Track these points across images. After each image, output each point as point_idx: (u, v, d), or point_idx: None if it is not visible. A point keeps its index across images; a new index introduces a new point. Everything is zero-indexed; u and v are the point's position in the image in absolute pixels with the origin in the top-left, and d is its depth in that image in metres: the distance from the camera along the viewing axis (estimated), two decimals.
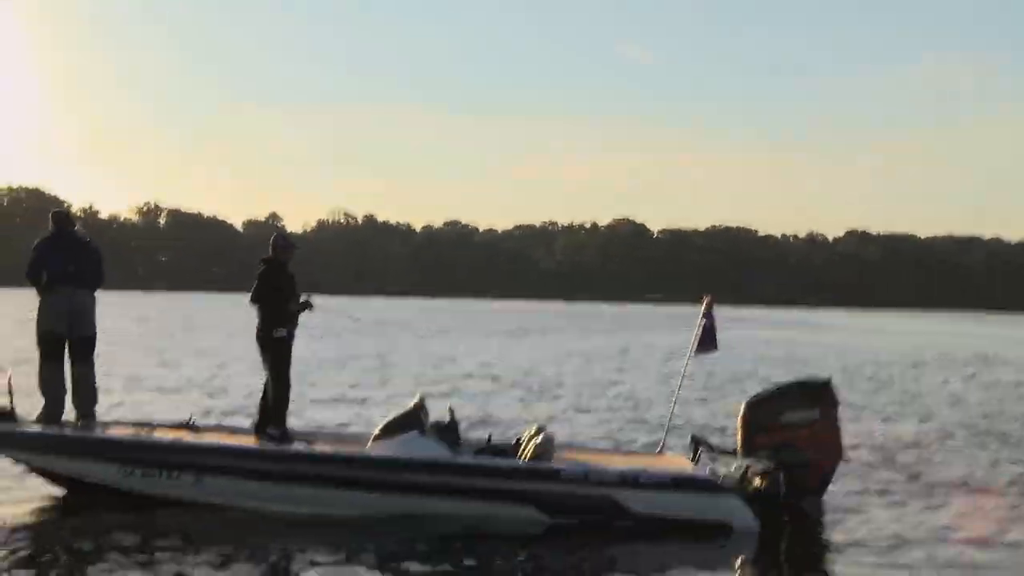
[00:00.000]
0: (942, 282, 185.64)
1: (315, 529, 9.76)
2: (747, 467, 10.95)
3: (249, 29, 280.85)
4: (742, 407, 11.06)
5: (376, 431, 10.59)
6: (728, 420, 17.24)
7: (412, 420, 10.44)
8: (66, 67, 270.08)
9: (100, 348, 11.42)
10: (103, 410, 12.20)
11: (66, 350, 11.05)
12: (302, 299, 11.34)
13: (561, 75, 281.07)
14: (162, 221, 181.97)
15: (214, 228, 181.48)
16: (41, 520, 9.98)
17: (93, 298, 11.24)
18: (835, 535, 10.17)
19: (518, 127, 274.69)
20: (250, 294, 11.25)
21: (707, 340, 11.71)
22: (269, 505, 10.12)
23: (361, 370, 27.29)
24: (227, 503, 10.15)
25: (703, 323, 11.70)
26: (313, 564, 8.70)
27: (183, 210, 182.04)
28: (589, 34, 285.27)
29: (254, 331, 11.28)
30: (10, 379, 10.71)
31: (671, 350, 41.69)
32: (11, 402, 10.64)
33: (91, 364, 11.24)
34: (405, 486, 10.11)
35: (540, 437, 10.64)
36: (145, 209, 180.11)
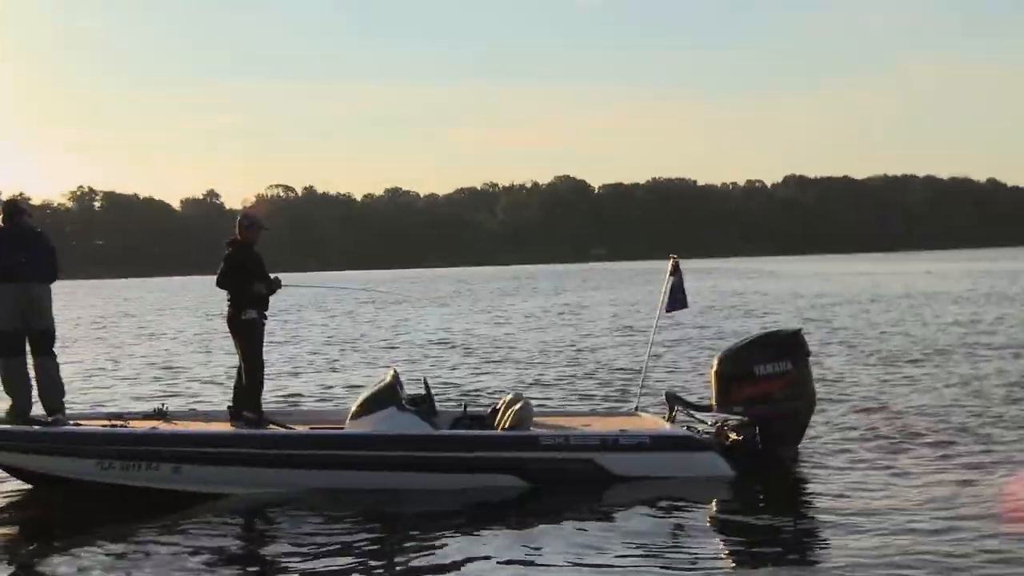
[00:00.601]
0: (880, 223, 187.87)
1: (300, 510, 9.69)
2: (723, 421, 11.13)
3: (175, 5, 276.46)
4: (714, 362, 11.13)
5: (353, 408, 10.54)
6: (696, 375, 17.50)
7: (389, 395, 10.39)
8: None
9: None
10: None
11: (26, 345, 10.86)
12: (271, 278, 11.21)
13: (490, 34, 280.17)
14: (97, 205, 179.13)
15: (151, 209, 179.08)
16: (17, 517, 9.87)
17: (48, 290, 11.00)
18: (812, 483, 10.28)
19: (452, 89, 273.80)
20: (216, 277, 11.10)
21: (677, 298, 11.76)
22: (251, 489, 10.06)
23: (323, 345, 27.22)
24: (208, 490, 10.06)
25: (671, 281, 11.74)
26: (300, 544, 8.67)
27: (118, 192, 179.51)
28: None
29: (225, 314, 11.16)
30: None
31: (625, 306, 42.02)
32: None
33: (53, 357, 11.05)
34: (386, 462, 10.09)
35: (518, 405, 10.66)
36: (79, 193, 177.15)
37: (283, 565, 8.26)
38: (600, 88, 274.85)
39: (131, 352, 27.15)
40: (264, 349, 11.16)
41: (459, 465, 10.14)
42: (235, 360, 11.29)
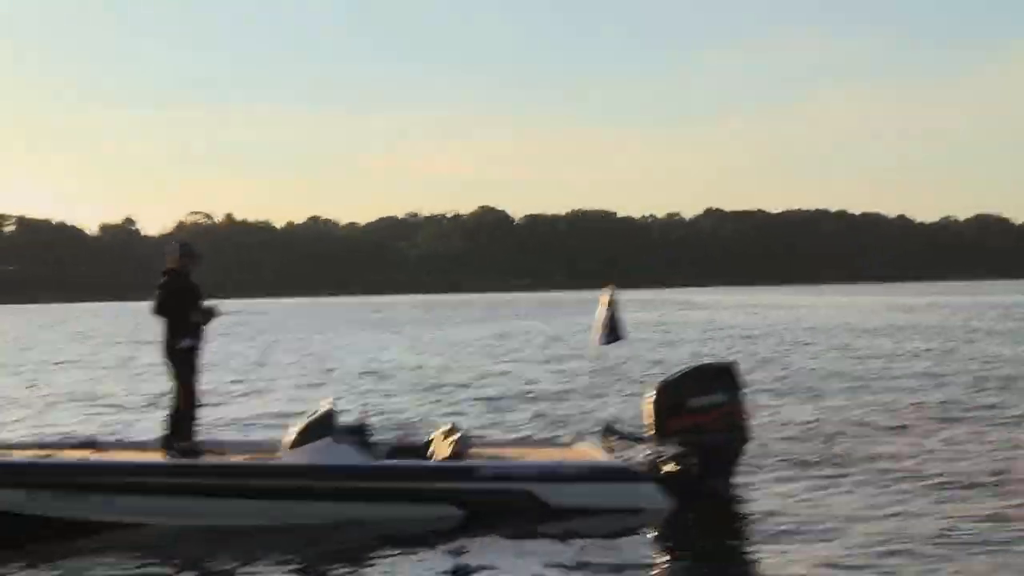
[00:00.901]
0: (792, 256, 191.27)
1: (234, 542, 9.56)
2: (658, 452, 11.18)
3: (92, 28, 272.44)
4: (650, 393, 11.19)
5: (289, 438, 10.42)
6: (628, 405, 17.59)
7: (324, 426, 10.31)
8: None
9: None
10: None
11: None
12: (207, 307, 11.06)
13: (411, 56, 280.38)
14: (7, 229, 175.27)
15: (65, 234, 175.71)
16: None
17: None
18: (747, 513, 10.40)
19: (370, 119, 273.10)
20: (153, 305, 10.92)
21: (612, 330, 11.84)
22: (184, 520, 9.90)
23: (248, 373, 26.85)
24: (140, 520, 9.88)
25: (609, 313, 11.82)
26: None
27: (28, 216, 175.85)
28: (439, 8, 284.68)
29: (161, 342, 10.98)
30: None
31: (551, 336, 42.15)
32: None
33: None
34: (323, 493, 10.00)
35: (456, 435, 10.64)
36: None
37: None
38: (518, 119, 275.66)
39: (47, 380, 26.52)
40: (198, 378, 10.98)
41: (396, 495, 10.09)
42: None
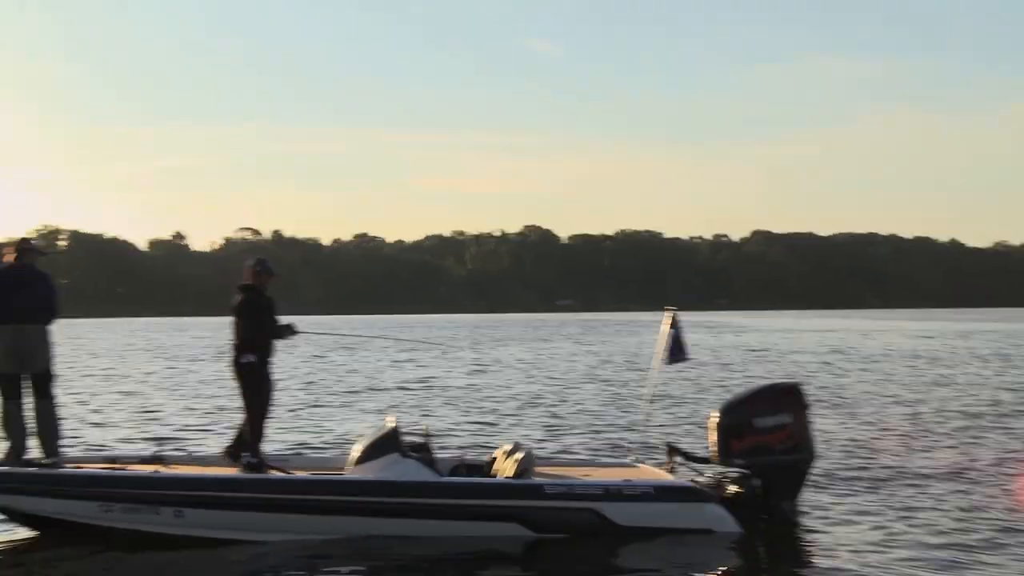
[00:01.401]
0: (842, 279, 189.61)
1: (301, 556, 9.62)
2: (723, 473, 11.14)
3: (147, 46, 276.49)
4: (715, 414, 11.14)
5: (355, 454, 10.48)
6: (688, 427, 17.62)
7: (390, 442, 10.35)
8: None
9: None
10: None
11: (21, 387, 10.77)
12: (285, 324, 11.17)
13: (464, 81, 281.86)
14: (62, 243, 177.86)
15: (117, 248, 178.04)
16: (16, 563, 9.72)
17: (46, 332, 10.90)
18: (813, 534, 10.33)
19: (421, 138, 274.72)
20: (232, 319, 11.04)
21: (677, 350, 11.80)
22: (253, 534, 9.95)
23: (314, 391, 26.90)
24: (210, 535, 9.95)
25: (672, 334, 11.79)
26: None
27: (82, 231, 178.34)
28: (497, 35, 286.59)
29: (231, 358, 11.09)
30: None
31: (607, 357, 42.09)
32: None
33: (50, 399, 10.94)
34: (389, 509, 10.00)
35: (520, 453, 10.63)
36: (44, 232, 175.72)
37: None
38: (566, 139, 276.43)
39: (98, 393, 26.79)
40: (269, 393, 11.05)
41: (462, 512, 10.07)
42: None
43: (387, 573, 9.20)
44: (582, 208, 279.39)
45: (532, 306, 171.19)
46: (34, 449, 10.73)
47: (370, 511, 10.00)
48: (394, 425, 10.56)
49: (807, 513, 11.02)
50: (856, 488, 12.36)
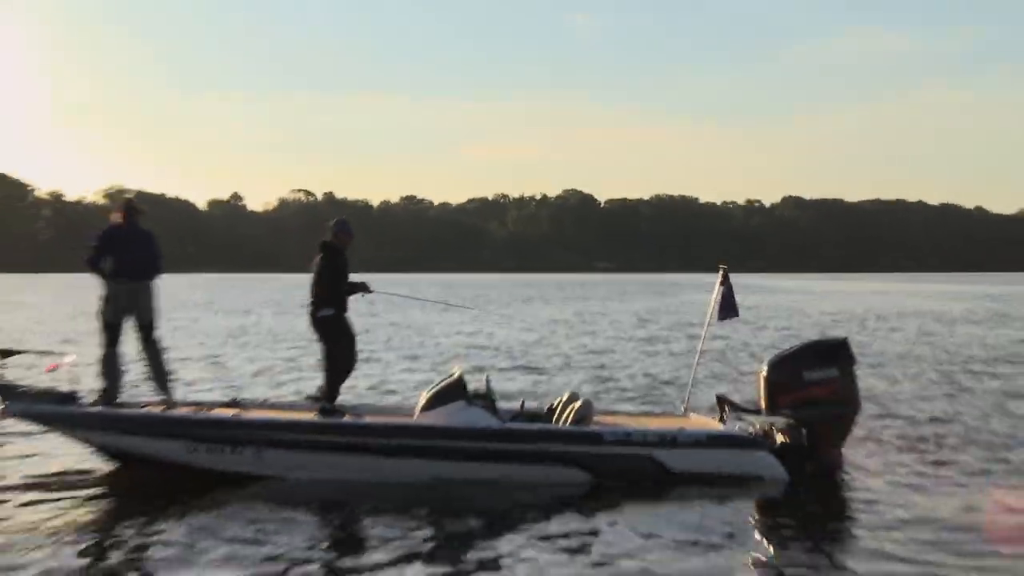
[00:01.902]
0: (871, 244, 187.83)
1: (370, 496, 9.72)
2: (771, 423, 11.16)
3: (209, 19, 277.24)
4: (764, 367, 11.13)
5: (422, 402, 10.59)
6: (731, 380, 17.64)
7: (457, 390, 10.46)
8: (33, 59, 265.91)
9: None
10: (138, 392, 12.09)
11: (122, 335, 11.06)
12: (359, 282, 11.30)
13: (508, 55, 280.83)
14: None
15: (179, 208, 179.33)
16: (108, 497, 9.94)
17: (152, 286, 11.17)
18: (856, 483, 10.33)
19: (467, 106, 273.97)
20: (312, 276, 11.19)
21: (727, 307, 11.78)
22: (327, 475, 10.11)
23: (376, 346, 27.11)
24: (287, 474, 10.14)
25: (721, 291, 11.78)
26: (370, 529, 8.72)
27: (147, 191, 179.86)
28: (537, 10, 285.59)
29: (309, 311, 11.25)
30: (73, 364, 10.63)
31: (648, 314, 42.06)
32: (75, 386, 10.59)
33: (156, 345, 11.23)
34: (456, 453, 10.13)
35: (579, 402, 10.70)
36: (111, 192, 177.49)
37: (355, 547, 8.25)
38: (606, 108, 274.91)
39: (178, 345, 27.13)
40: (347, 344, 11.17)
41: (524, 457, 10.18)
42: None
43: (453, 514, 9.24)
44: (619, 174, 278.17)
45: (571, 267, 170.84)
46: (126, 392, 10.98)
47: (438, 455, 10.13)
48: (460, 374, 10.66)
49: (850, 463, 11.03)
50: (898, 442, 12.33)
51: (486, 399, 10.76)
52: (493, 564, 7.74)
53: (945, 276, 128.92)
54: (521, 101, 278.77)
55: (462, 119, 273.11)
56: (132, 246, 10.98)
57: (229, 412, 10.79)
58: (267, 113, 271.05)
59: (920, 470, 10.89)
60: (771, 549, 8.34)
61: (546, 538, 8.36)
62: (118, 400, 10.95)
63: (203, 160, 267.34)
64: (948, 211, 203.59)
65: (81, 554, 7.89)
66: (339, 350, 11.09)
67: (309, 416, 10.70)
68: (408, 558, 7.85)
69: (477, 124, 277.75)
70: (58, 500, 9.49)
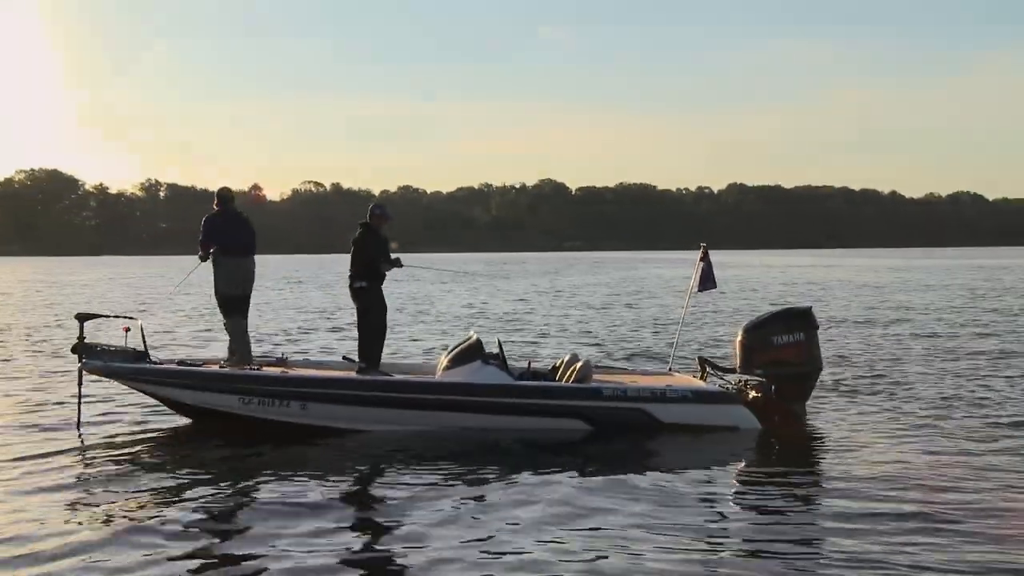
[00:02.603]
0: (802, 224, 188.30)
1: (401, 444, 9.64)
2: (745, 380, 11.14)
3: (236, 33, 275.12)
4: (740, 332, 11.09)
5: (444, 362, 10.50)
6: (698, 344, 17.64)
7: (475, 351, 10.37)
8: (74, 62, 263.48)
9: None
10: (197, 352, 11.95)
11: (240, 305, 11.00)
12: (394, 258, 11.19)
13: (492, 61, 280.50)
14: (162, 194, 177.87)
15: (206, 198, 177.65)
16: (171, 442, 9.85)
17: (254, 262, 11.12)
18: (818, 431, 10.34)
19: (456, 106, 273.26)
20: (352, 251, 11.11)
21: (707, 279, 11.73)
22: (363, 425, 10.05)
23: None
24: (330, 425, 10.06)
25: (701, 266, 11.70)
26: (402, 470, 8.66)
27: (179, 184, 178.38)
28: (515, 23, 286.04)
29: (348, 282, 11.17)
30: (142, 327, 10.51)
31: (612, 289, 42.03)
32: (145, 345, 10.46)
33: (246, 314, 11.14)
34: (475, 406, 10.07)
35: (580, 363, 10.63)
36: (147, 184, 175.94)
37: (390, 486, 8.20)
38: (576, 108, 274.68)
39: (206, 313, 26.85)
40: (380, 312, 11.07)
41: (535, 410, 10.12)
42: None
43: (472, 457, 9.17)
44: (588, 164, 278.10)
45: (545, 247, 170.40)
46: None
47: (459, 408, 10.07)
48: (477, 338, 10.58)
49: (814, 414, 11.03)
50: (853, 396, 12.33)
51: (498, 359, 10.68)
52: (504, 502, 7.62)
53: (869, 252, 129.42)
54: (506, 101, 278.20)
55: (453, 116, 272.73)
56: (230, 229, 10.87)
57: (276, 369, 10.71)
58: (281, 113, 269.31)
59: (872, 419, 10.92)
60: (746, 489, 8.31)
61: (548, 483, 8.21)
62: (251, 363, 10.85)
63: (226, 155, 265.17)
64: (868, 195, 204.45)
65: (148, 494, 7.81)
66: (372, 317, 10.98)
67: (349, 374, 10.61)
68: (430, 494, 7.80)
69: (463, 121, 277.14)
70: (132, 447, 9.46)
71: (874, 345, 17.83)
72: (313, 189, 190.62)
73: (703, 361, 11.41)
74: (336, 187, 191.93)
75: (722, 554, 6.36)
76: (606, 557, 6.25)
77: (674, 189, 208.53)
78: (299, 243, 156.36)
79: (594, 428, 10.08)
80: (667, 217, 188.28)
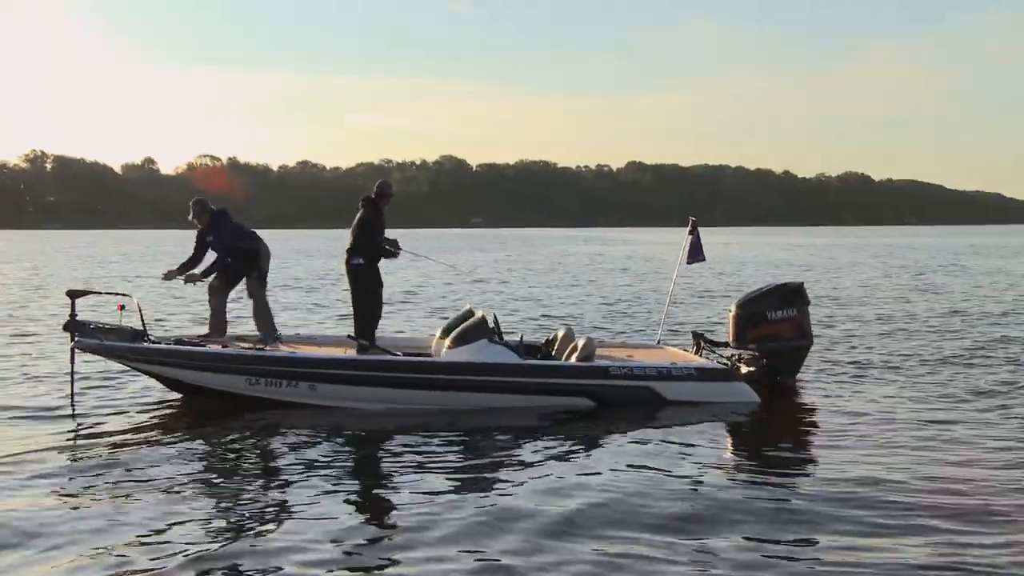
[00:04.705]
0: (698, 202, 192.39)
1: (409, 423, 9.40)
2: (738, 355, 11.26)
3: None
4: (733, 308, 11.20)
5: (444, 339, 10.24)
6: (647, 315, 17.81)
7: (481, 329, 10.17)
8: None
9: None
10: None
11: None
12: (392, 239, 10.91)
13: (399, 34, 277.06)
14: (48, 166, 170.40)
15: (95, 171, 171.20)
16: (174, 422, 9.41)
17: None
18: (809, 402, 10.49)
19: (357, 80, 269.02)
20: (352, 228, 10.80)
21: (695, 253, 11.78)
22: (372, 405, 9.79)
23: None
24: (338, 405, 9.78)
25: (690, 240, 11.75)
26: (409, 451, 8.43)
27: (67, 156, 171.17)
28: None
29: (345, 259, 10.82)
30: (139, 304, 10.01)
31: (545, 263, 42.08)
32: (143, 323, 9.97)
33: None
34: (483, 386, 9.91)
35: (583, 340, 10.54)
36: (32, 156, 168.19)
37: (398, 462, 8.04)
38: (477, 84, 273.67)
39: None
40: (377, 290, 10.77)
41: (542, 389, 10.01)
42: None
43: (479, 435, 8.99)
44: (489, 142, 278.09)
45: (447, 223, 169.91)
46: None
47: (468, 387, 9.89)
48: (482, 315, 10.39)
49: (805, 387, 11.22)
50: (842, 368, 12.60)
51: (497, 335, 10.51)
52: (514, 478, 7.51)
53: (764, 230, 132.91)
54: (404, 76, 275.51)
55: (352, 92, 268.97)
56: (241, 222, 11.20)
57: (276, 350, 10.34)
58: (178, 84, 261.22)
59: (861, 390, 11.14)
60: (748, 461, 8.29)
61: (558, 457, 8.15)
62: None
63: (119, 125, 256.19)
64: (762, 175, 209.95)
65: (145, 473, 7.49)
66: (368, 296, 10.68)
67: (347, 352, 10.31)
68: (437, 471, 7.69)
69: (364, 97, 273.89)
70: (127, 427, 9.09)
71: (844, 322, 18.24)
72: (209, 163, 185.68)
73: (698, 336, 11.48)
74: (233, 161, 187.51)
75: (729, 534, 6.19)
76: (622, 539, 6.04)
77: (573, 167, 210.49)
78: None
79: (599, 406, 10.02)
80: (566, 194, 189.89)
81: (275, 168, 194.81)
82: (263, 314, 10.92)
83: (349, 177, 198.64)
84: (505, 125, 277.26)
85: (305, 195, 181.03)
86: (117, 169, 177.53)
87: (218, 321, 10.82)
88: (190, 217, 10.87)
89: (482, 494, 6.97)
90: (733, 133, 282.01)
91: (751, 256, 49.45)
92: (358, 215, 10.81)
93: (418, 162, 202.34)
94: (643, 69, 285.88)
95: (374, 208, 10.83)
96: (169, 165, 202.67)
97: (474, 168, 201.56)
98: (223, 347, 10.24)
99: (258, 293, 10.93)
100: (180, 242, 74.64)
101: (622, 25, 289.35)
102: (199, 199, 10.93)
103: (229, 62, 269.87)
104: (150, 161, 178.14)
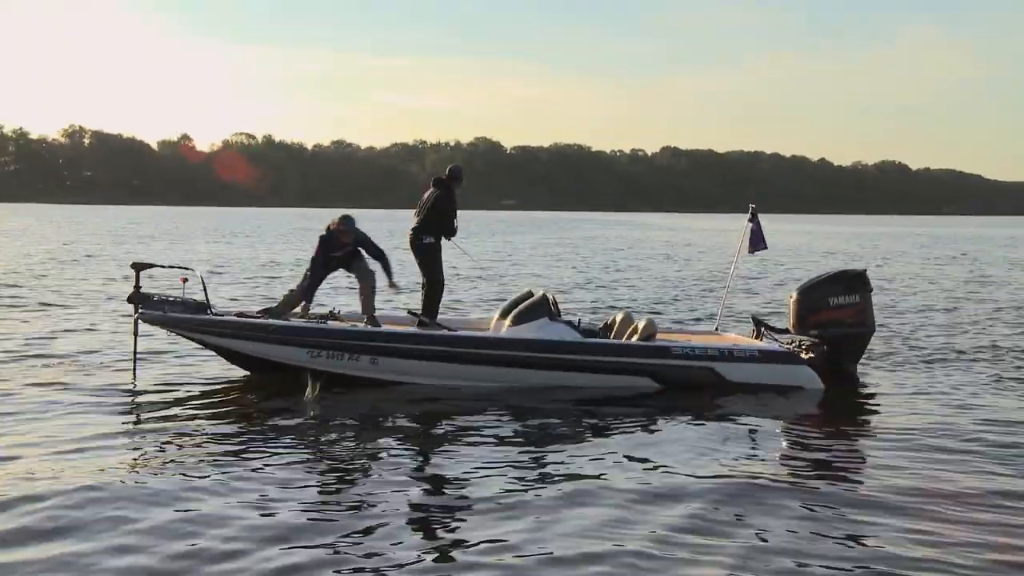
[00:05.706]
0: (735, 189, 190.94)
1: (469, 399, 9.52)
2: (799, 341, 11.21)
3: None
4: (794, 293, 11.13)
5: (505, 319, 10.30)
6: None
7: (542, 308, 10.21)
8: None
9: None
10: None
11: None
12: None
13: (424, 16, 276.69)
14: (86, 141, 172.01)
15: (132, 147, 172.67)
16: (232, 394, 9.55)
17: None
18: (870, 392, 10.43)
19: (391, 61, 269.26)
20: (422, 208, 10.94)
21: (756, 241, 11.70)
22: (433, 380, 9.88)
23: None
24: (399, 379, 9.88)
25: (750, 227, 11.67)
26: (469, 428, 8.49)
27: (105, 131, 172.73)
28: None
29: (410, 238, 10.89)
30: (203, 277, 10.14)
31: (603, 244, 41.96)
32: (206, 296, 10.08)
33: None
34: (544, 363, 9.95)
35: (643, 321, 10.55)
36: (70, 131, 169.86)
37: (458, 437, 8.15)
38: (513, 66, 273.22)
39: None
40: (440, 268, 10.87)
41: (603, 368, 10.05)
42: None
43: (541, 415, 9.00)
44: (523, 124, 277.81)
45: (480, 205, 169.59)
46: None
47: (528, 364, 9.95)
48: (544, 294, 10.43)
49: (865, 374, 11.16)
50: (905, 357, 12.52)
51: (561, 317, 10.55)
52: (572, 457, 7.55)
53: (800, 217, 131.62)
54: (438, 59, 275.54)
55: (385, 72, 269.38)
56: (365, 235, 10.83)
57: (336, 324, 10.40)
58: (217, 62, 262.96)
59: (924, 380, 11.07)
60: (804, 453, 8.16)
61: (617, 436, 8.24)
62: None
63: (156, 103, 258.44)
64: (798, 161, 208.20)
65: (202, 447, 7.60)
66: (435, 273, 10.77)
67: (409, 328, 10.39)
68: (494, 448, 7.79)
69: (399, 78, 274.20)
70: (188, 400, 9.25)
71: (924, 310, 18.13)
72: (245, 141, 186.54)
73: (757, 321, 11.44)
74: (268, 139, 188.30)
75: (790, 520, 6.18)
76: (686, 527, 6.00)
77: (608, 151, 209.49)
78: (226, 196, 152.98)
79: (661, 386, 10.06)
80: (600, 178, 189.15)
81: (309, 147, 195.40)
82: (368, 295, 10.75)
83: (383, 157, 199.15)
84: (541, 108, 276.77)
85: (338, 173, 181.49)
86: (153, 145, 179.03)
87: (296, 300, 10.70)
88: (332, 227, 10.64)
89: (543, 472, 7.04)
90: (769, 119, 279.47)
91: (799, 243, 49.01)
92: (429, 196, 10.92)
93: (452, 143, 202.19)
94: (680, 54, 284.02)
95: (447, 190, 10.92)
96: (205, 142, 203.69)
97: (508, 151, 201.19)
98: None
99: (369, 276, 10.79)
100: (227, 221, 74.99)
101: (661, 9, 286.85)
102: (348, 216, 10.68)
103: (267, 39, 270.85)
104: (186, 138, 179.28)
